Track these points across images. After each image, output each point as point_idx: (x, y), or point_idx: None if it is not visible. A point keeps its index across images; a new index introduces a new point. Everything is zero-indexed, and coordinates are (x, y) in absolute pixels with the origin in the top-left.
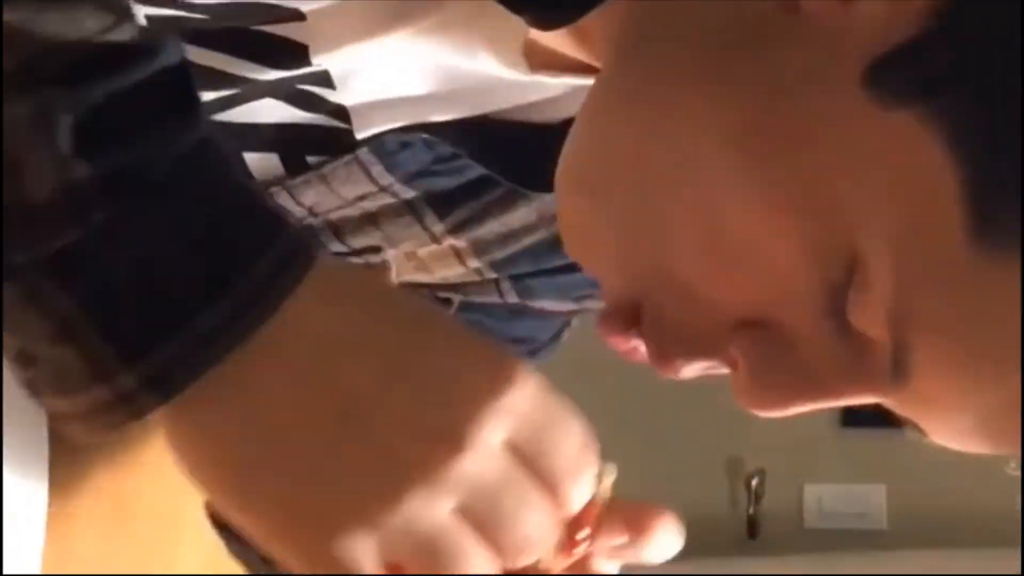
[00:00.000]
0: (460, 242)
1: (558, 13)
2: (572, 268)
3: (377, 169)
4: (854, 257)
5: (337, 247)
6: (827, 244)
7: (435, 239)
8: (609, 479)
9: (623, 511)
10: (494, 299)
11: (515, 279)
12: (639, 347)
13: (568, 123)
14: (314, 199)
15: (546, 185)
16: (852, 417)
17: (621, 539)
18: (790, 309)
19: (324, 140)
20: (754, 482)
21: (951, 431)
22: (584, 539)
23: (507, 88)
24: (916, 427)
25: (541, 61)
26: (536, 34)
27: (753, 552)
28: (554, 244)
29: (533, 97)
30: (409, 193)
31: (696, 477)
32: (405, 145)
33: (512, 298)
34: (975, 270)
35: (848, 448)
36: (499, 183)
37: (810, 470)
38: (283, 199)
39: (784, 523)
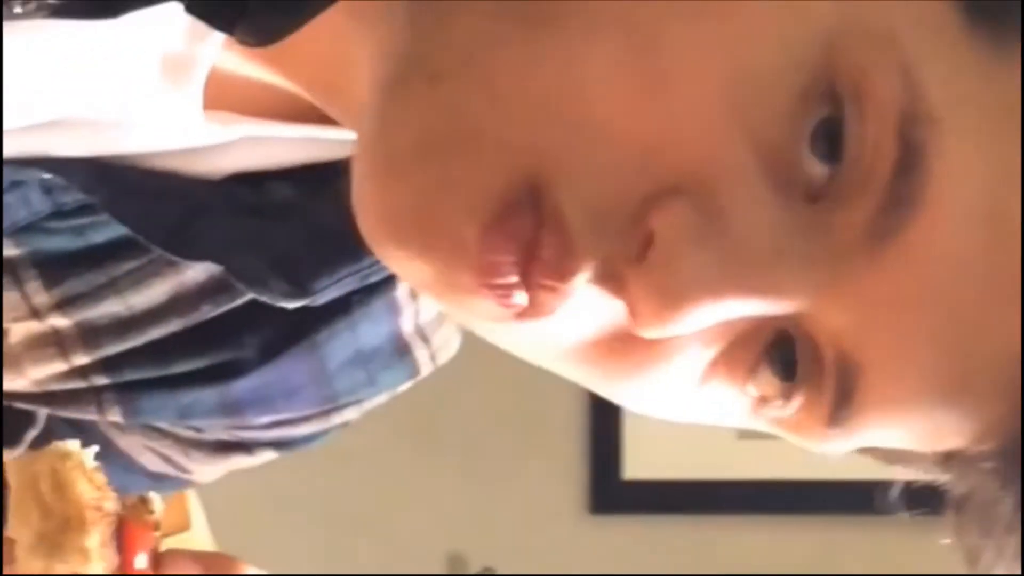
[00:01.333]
0: (66, 323)
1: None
2: (204, 378)
3: None
4: (829, 63)
5: None
6: (792, 44)
7: (36, 314)
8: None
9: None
10: (90, 415)
11: (124, 389)
12: (512, 284)
13: (231, 180)
14: None
15: (194, 252)
16: (601, 502)
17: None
18: (732, 154)
19: None
20: None
21: (925, 340)
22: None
23: (155, 127)
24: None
25: (223, 100)
26: (226, 66)
27: None
28: (185, 341)
29: (190, 142)
30: (12, 250)
31: None
32: (16, 184)
33: (114, 416)
34: (975, 58)
35: (596, 540)
36: (129, 254)
37: (551, 568)
38: None
39: None
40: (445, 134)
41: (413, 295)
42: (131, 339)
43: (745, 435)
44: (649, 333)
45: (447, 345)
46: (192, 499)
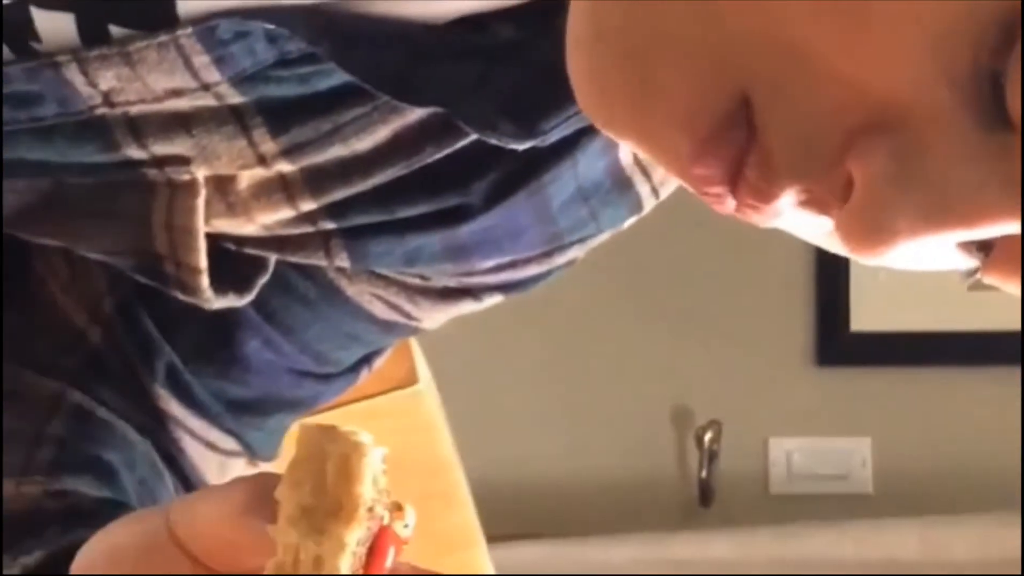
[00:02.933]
0: (292, 168)
1: None
2: (430, 222)
3: (202, 60)
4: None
5: (133, 152)
6: None
7: (262, 160)
8: (410, 518)
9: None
10: (319, 260)
11: (351, 235)
12: (726, 194)
13: (454, 24)
14: (112, 83)
15: (421, 98)
16: (827, 355)
17: None
18: (932, 93)
19: (134, 7)
20: (707, 437)
21: None
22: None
23: None
24: None
25: None
26: None
27: (708, 524)
28: (410, 186)
29: None
30: (238, 98)
31: (636, 433)
32: (241, 35)
33: (342, 261)
34: None
35: (823, 393)
36: (354, 101)
37: (776, 421)
38: (71, 74)
39: (745, 488)
40: (660, 38)
41: None
42: (356, 183)
43: (975, 286)
44: (856, 257)
45: (669, 179)
46: (417, 354)
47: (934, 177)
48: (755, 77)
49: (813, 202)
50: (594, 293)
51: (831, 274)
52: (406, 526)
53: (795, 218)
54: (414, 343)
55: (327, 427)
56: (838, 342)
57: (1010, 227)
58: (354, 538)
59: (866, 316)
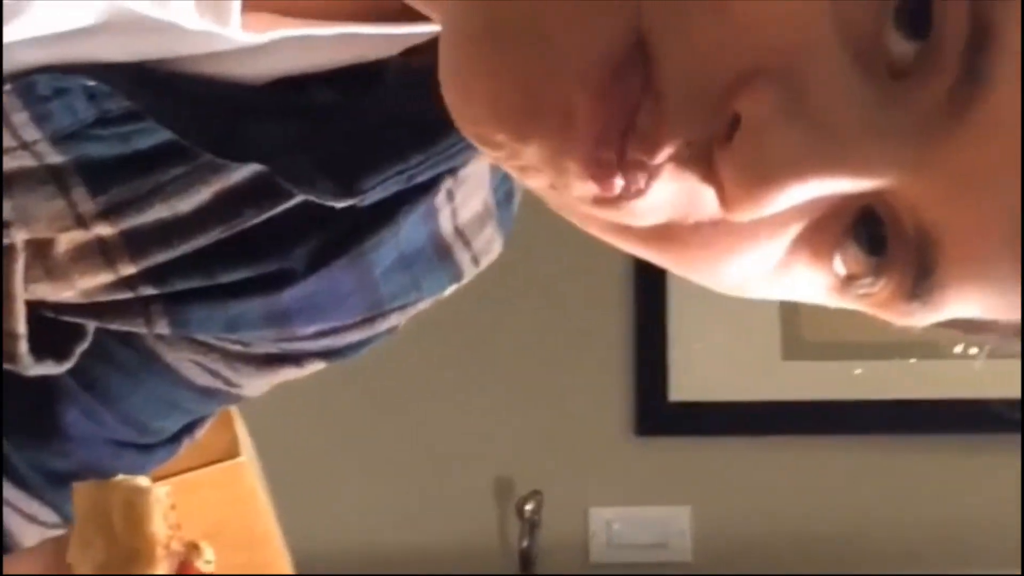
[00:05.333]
0: (111, 231)
1: None
2: (251, 288)
3: (21, 118)
4: None
5: None
6: None
7: (81, 222)
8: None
9: None
10: (138, 327)
11: (172, 301)
12: (611, 160)
13: (275, 85)
14: None
15: (240, 155)
16: (647, 424)
17: None
18: (819, 37)
19: None
20: (528, 508)
21: (1002, 210)
22: None
23: (198, 30)
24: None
25: (263, 3)
26: None
27: None
28: (232, 250)
29: (224, 45)
30: (57, 157)
31: (458, 504)
32: (61, 92)
33: (162, 328)
34: None
35: (643, 462)
36: (175, 161)
37: (597, 491)
38: None
39: (566, 556)
40: (544, 8)
41: (450, 196)
42: (176, 247)
43: (790, 355)
44: (739, 215)
45: (489, 247)
46: (240, 426)
47: (822, 116)
48: (648, 18)
49: (696, 160)
50: (416, 363)
51: (650, 344)
52: (208, 562)
53: (672, 193)
54: (236, 415)
55: (102, 482)
56: (657, 412)
57: (894, 177)
58: None
59: (684, 386)
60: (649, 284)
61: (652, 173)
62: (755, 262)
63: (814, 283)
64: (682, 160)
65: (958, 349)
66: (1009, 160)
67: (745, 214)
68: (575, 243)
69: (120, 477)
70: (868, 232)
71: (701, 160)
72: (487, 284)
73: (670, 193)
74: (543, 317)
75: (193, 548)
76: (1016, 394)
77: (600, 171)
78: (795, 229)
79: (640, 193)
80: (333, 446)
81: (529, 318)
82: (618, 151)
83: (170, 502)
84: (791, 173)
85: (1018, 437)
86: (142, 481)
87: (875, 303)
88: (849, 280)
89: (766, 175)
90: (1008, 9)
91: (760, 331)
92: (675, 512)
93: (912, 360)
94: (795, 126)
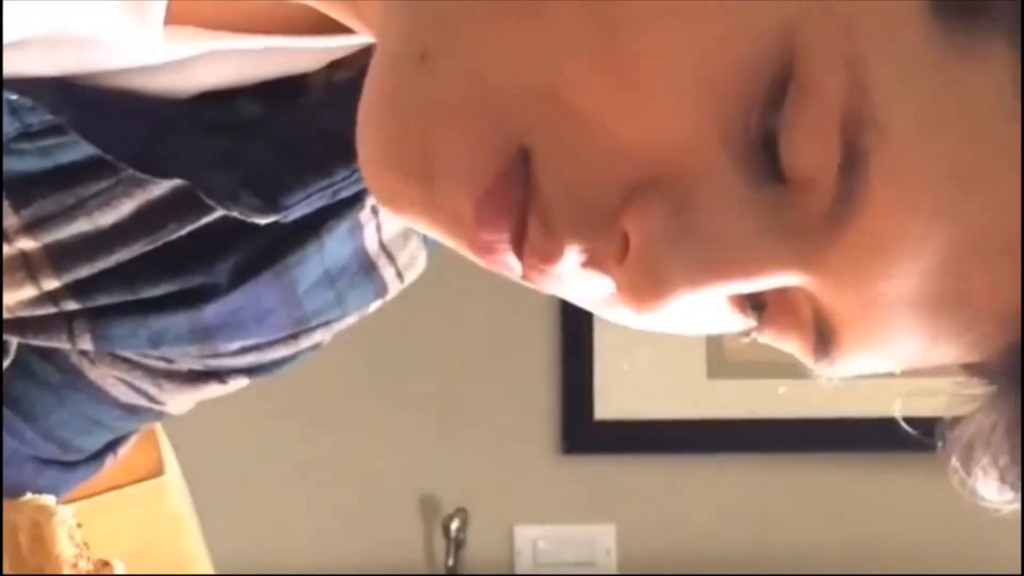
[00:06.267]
0: (34, 245)
1: None
2: (174, 303)
3: None
4: (791, 53)
5: None
6: (758, 37)
7: (5, 236)
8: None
9: None
10: (61, 343)
11: (95, 316)
12: (507, 255)
13: (199, 99)
14: None
15: (162, 170)
16: (572, 442)
17: None
18: (703, 149)
19: None
20: (454, 525)
21: (892, 304)
22: None
23: (120, 44)
24: (825, 351)
25: (187, 15)
26: None
27: None
28: (155, 264)
29: (155, 58)
30: None
31: (383, 522)
32: None
33: (85, 343)
34: (937, 56)
35: (568, 480)
36: (97, 175)
37: (522, 509)
38: None
39: (492, 575)
40: (434, 107)
41: (375, 211)
42: (99, 260)
43: (715, 374)
44: (640, 313)
45: (413, 262)
46: (165, 444)
47: (709, 229)
48: (531, 130)
49: (594, 262)
50: (341, 380)
51: (576, 362)
52: None
53: (578, 281)
54: (161, 433)
55: (8, 503)
56: (583, 430)
57: (784, 279)
58: None
59: (610, 404)
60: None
61: (550, 275)
62: (676, 324)
63: (742, 325)
64: (579, 263)
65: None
66: (889, 266)
67: (644, 316)
68: None
69: (26, 497)
70: (756, 305)
71: (597, 263)
72: (413, 301)
73: (575, 282)
74: (469, 334)
75: (104, 565)
76: (930, 413)
77: (495, 260)
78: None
79: (541, 285)
80: (258, 464)
81: (455, 335)
82: (515, 249)
83: (76, 521)
84: (681, 286)
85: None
86: (47, 500)
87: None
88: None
89: (655, 292)
90: (883, 137)
91: (685, 350)
92: (601, 530)
93: (833, 380)
94: (682, 243)
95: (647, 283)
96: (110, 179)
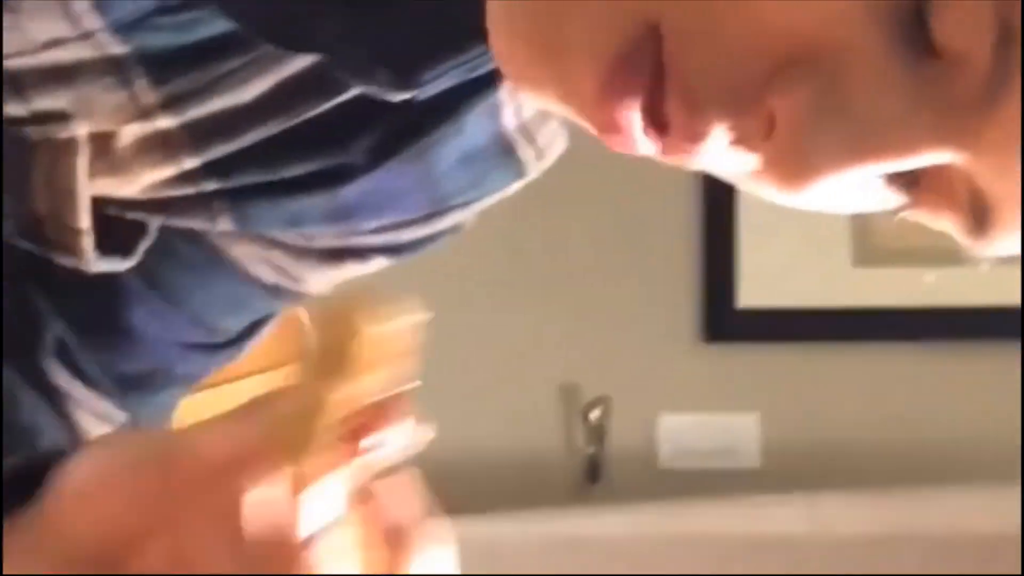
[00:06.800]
0: (173, 123)
1: None
2: (312, 183)
3: (82, 6)
4: None
5: (14, 108)
6: None
7: (144, 113)
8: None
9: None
10: (202, 223)
11: (234, 196)
12: (635, 134)
13: None
14: None
15: (299, 44)
16: (715, 331)
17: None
18: (853, 24)
19: None
20: (594, 414)
21: None
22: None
23: None
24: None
25: None
26: None
27: (596, 499)
28: (293, 144)
29: None
30: (118, 48)
31: (522, 410)
32: None
33: (225, 223)
34: None
35: (711, 369)
36: (234, 51)
37: (664, 397)
38: None
39: (634, 463)
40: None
41: (513, 91)
42: (238, 138)
43: (860, 262)
44: (784, 194)
45: (553, 144)
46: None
47: (859, 108)
48: (667, 10)
49: (741, 140)
50: (482, 267)
51: (717, 250)
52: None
53: (720, 158)
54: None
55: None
56: (725, 318)
57: (937, 156)
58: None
59: (752, 292)
60: (717, 190)
61: (693, 153)
62: (824, 202)
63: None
64: (727, 142)
65: None
66: None
67: (788, 195)
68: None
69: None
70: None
71: (741, 142)
72: (551, 187)
73: (716, 157)
74: (609, 222)
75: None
76: None
77: (622, 140)
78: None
79: (678, 160)
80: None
81: (594, 224)
82: (650, 130)
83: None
84: (830, 166)
85: None
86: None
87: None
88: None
89: (804, 172)
90: None
91: (829, 238)
92: (743, 419)
93: (985, 266)
94: (832, 121)
95: (796, 163)
96: (246, 55)
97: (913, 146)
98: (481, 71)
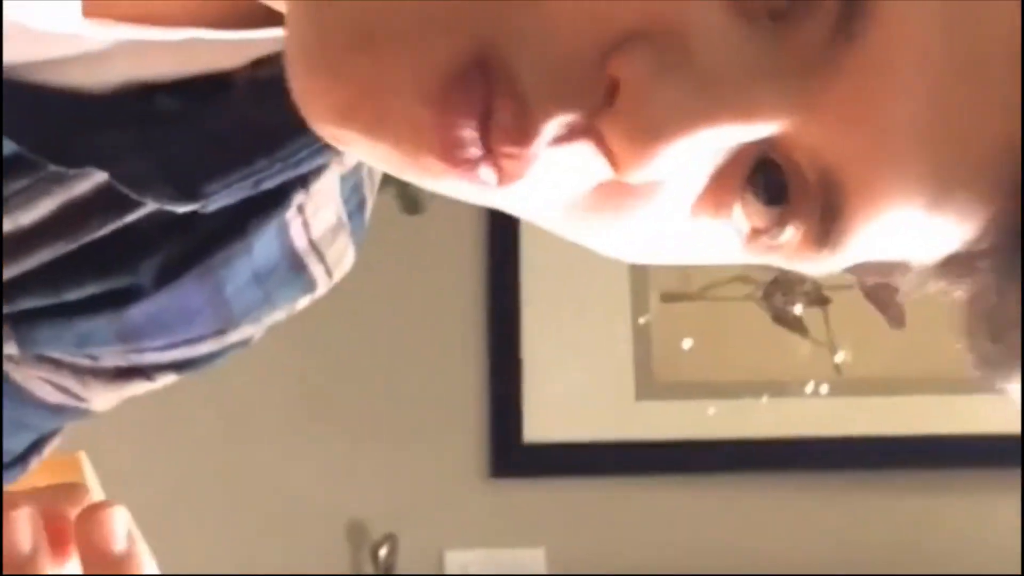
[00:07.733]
0: None
1: None
2: (99, 305)
3: None
4: None
5: None
6: None
7: None
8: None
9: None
10: None
11: (19, 320)
12: (478, 163)
13: (119, 94)
14: None
15: (79, 160)
16: (501, 466)
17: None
18: None
19: None
20: (382, 552)
21: (899, 139)
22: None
23: (36, 34)
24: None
25: (106, 9)
26: None
27: None
28: (78, 266)
29: (67, 50)
30: None
31: (311, 548)
32: None
33: (10, 348)
34: None
35: (497, 504)
36: (18, 172)
37: (451, 533)
38: None
39: None
40: (381, 20)
41: (300, 209)
42: (21, 261)
43: (643, 396)
44: (631, 176)
45: (342, 259)
46: (86, 464)
47: (704, 67)
48: (488, 20)
49: (577, 132)
50: (266, 402)
51: (503, 384)
52: None
53: (558, 169)
54: (85, 461)
55: None
56: (511, 453)
57: (785, 120)
58: None
59: (539, 427)
60: (503, 322)
61: (527, 159)
62: (662, 219)
63: (724, 240)
64: (560, 139)
65: (808, 388)
66: (898, 87)
67: (637, 174)
68: (427, 276)
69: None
70: (766, 180)
71: (582, 133)
72: (337, 321)
73: (554, 170)
74: (395, 356)
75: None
76: (860, 432)
77: (464, 168)
78: (698, 183)
79: (515, 178)
80: (183, 481)
81: (381, 358)
82: (484, 146)
83: None
84: (678, 127)
85: (863, 474)
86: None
87: (785, 255)
88: (755, 234)
89: (653, 132)
90: None
91: (614, 371)
92: (530, 554)
93: (764, 399)
94: (677, 79)
95: (643, 124)
96: (30, 177)
97: (759, 105)
98: (268, 185)
